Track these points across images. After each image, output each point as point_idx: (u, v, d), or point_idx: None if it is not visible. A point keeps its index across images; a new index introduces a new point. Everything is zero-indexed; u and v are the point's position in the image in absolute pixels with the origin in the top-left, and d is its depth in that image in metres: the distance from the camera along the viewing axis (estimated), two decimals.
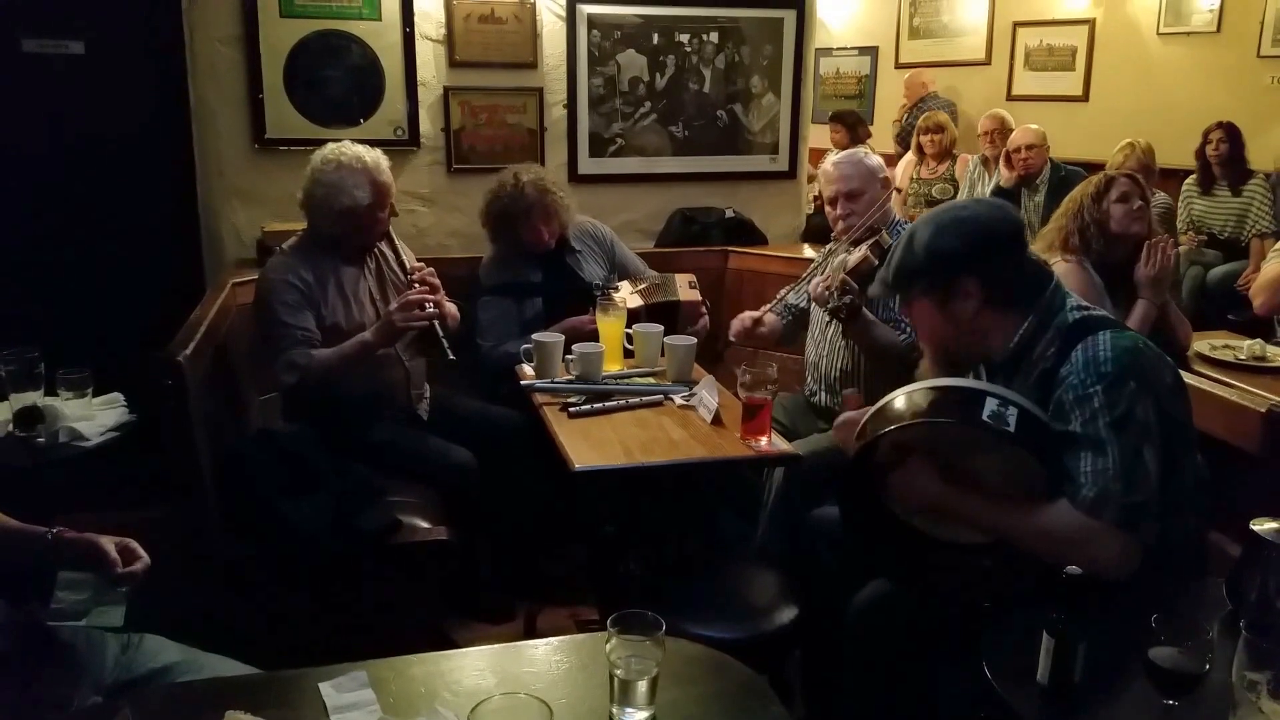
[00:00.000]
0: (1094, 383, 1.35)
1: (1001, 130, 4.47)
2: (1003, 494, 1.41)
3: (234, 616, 1.90)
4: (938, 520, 1.50)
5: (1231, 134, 4.35)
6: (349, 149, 2.29)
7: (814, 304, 2.39)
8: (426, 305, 2.22)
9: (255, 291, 2.33)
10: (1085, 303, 1.51)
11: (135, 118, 2.94)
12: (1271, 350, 2.44)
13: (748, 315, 2.42)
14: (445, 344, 2.25)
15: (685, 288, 2.62)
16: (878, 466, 1.52)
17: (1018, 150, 4.05)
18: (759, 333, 2.40)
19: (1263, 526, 1.25)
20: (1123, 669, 1.14)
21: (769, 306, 2.48)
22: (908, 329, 2.22)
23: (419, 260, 2.46)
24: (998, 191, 4.02)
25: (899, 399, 1.47)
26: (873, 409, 1.51)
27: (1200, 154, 4.45)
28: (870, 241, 2.27)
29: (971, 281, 1.47)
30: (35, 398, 2.02)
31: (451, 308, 2.43)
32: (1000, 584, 1.45)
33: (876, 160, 2.44)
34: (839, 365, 2.36)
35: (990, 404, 1.36)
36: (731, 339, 2.42)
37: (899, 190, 4.55)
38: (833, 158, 2.52)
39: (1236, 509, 1.39)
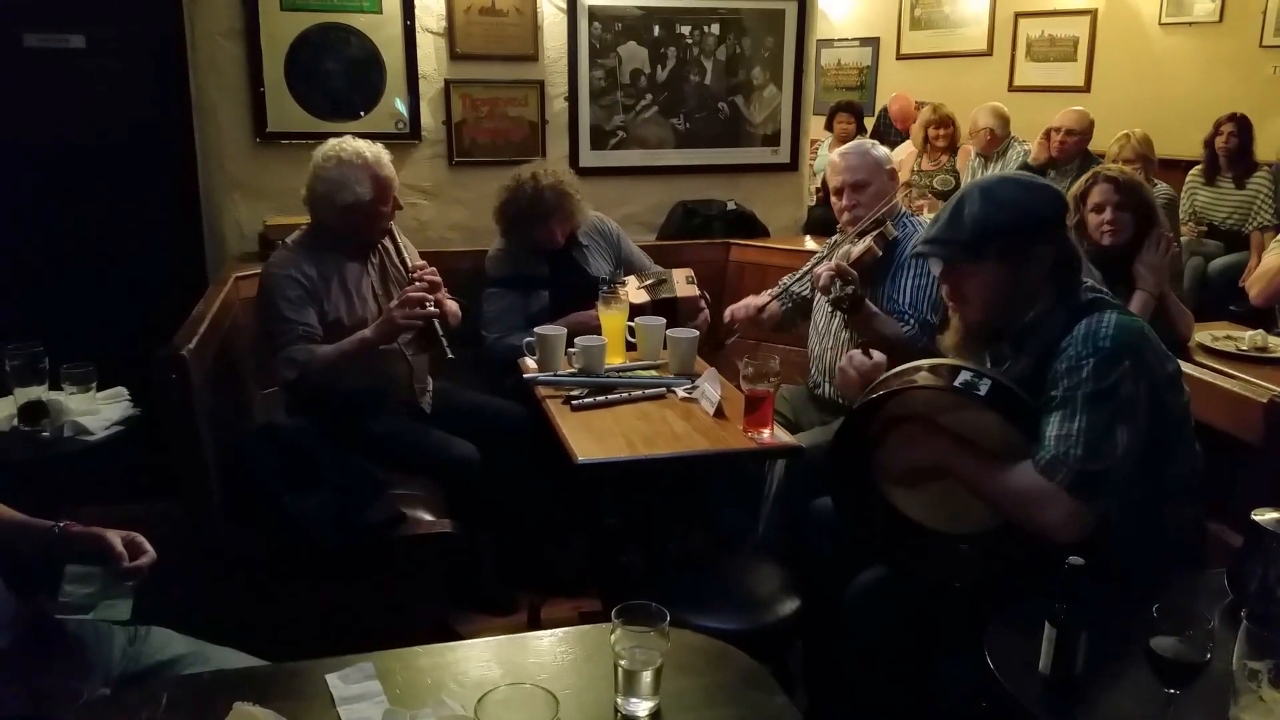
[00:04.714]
0: (1088, 355, 1.36)
1: (1001, 125, 4.39)
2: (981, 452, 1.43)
3: (240, 609, 1.91)
4: (919, 494, 1.52)
5: (1243, 127, 4.32)
6: (350, 144, 2.29)
7: (818, 295, 2.39)
8: (426, 303, 2.22)
9: (258, 286, 2.33)
10: (1102, 288, 1.51)
11: (136, 112, 2.94)
12: (1273, 341, 2.44)
13: (752, 301, 2.40)
14: (444, 342, 2.25)
15: (683, 283, 2.63)
16: (871, 438, 1.53)
17: (1057, 130, 3.86)
18: (762, 319, 2.39)
19: (1264, 516, 1.25)
20: (1124, 658, 1.15)
21: (772, 292, 2.48)
22: (911, 321, 2.22)
23: (420, 255, 2.46)
24: (1023, 168, 3.89)
25: (900, 370, 1.50)
26: (876, 381, 1.53)
27: (1209, 144, 4.42)
28: (875, 233, 2.27)
29: (1047, 248, 1.45)
30: (40, 392, 2.03)
31: (452, 305, 2.43)
32: (977, 570, 1.48)
33: (884, 151, 2.43)
34: (842, 355, 2.36)
35: (964, 374, 1.41)
36: (734, 327, 2.38)
37: (907, 185, 4.50)
38: (840, 148, 2.51)
39: (1237, 499, 1.40)
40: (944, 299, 1.59)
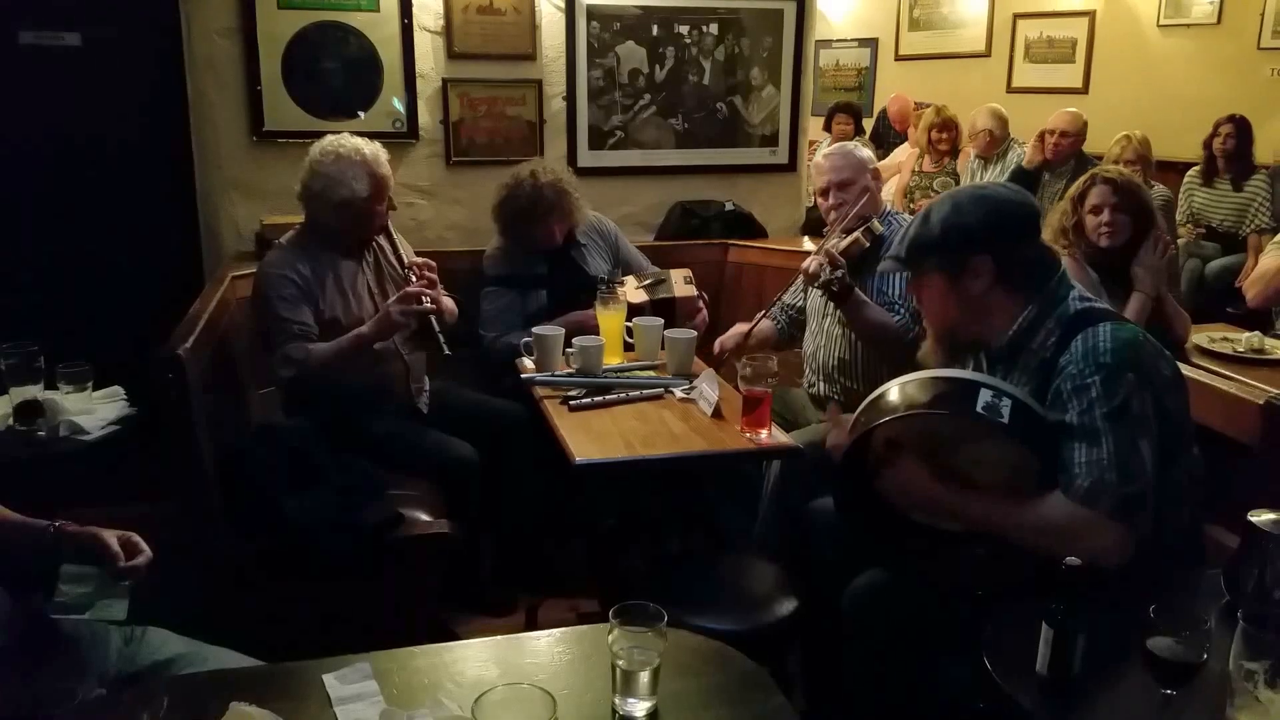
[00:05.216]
0: (1092, 373, 1.36)
1: (1000, 127, 4.40)
2: (997, 488, 1.42)
3: (236, 609, 1.91)
4: (931, 512, 1.51)
5: (1241, 128, 4.32)
6: (348, 141, 2.29)
7: (809, 291, 2.40)
8: (424, 299, 2.22)
9: (253, 285, 2.33)
10: (1089, 295, 1.52)
11: (133, 110, 2.94)
12: (1270, 343, 2.45)
13: (739, 329, 2.43)
14: (441, 339, 2.25)
15: (681, 283, 2.63)
16: (871, 461, 1.52)
17: (1051, 132, 3.90)
18: (750, 346, 2.40)
19: (1260, 518, 1.26)
20: (1121, 659, 1.15)
21: (764, 313, 2.49)
22: (902, 310, 2.24)
23: (418, 254, 2.46)
24: (1018, 171, 3.92)
25: (893, 390, 1.47)
26: (866, 401, 1.51)
27: (1207, 145, 4.42)
28: (862, 228, 2.30)
29: (985, 260, 1.47)
30: (35, 391, 2.02)
31: (449, 302, 2.42)
32: (993, 572, 1.46)
33: (867, 152, 2.48)
34: (836, 354, 2.37)
35: (984, 395, 1.37)
36: (724, 357, 2.40)
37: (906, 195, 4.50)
38: (824, 150, 2.56)
39: (1234, 500, 1.40)
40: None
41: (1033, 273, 1.49)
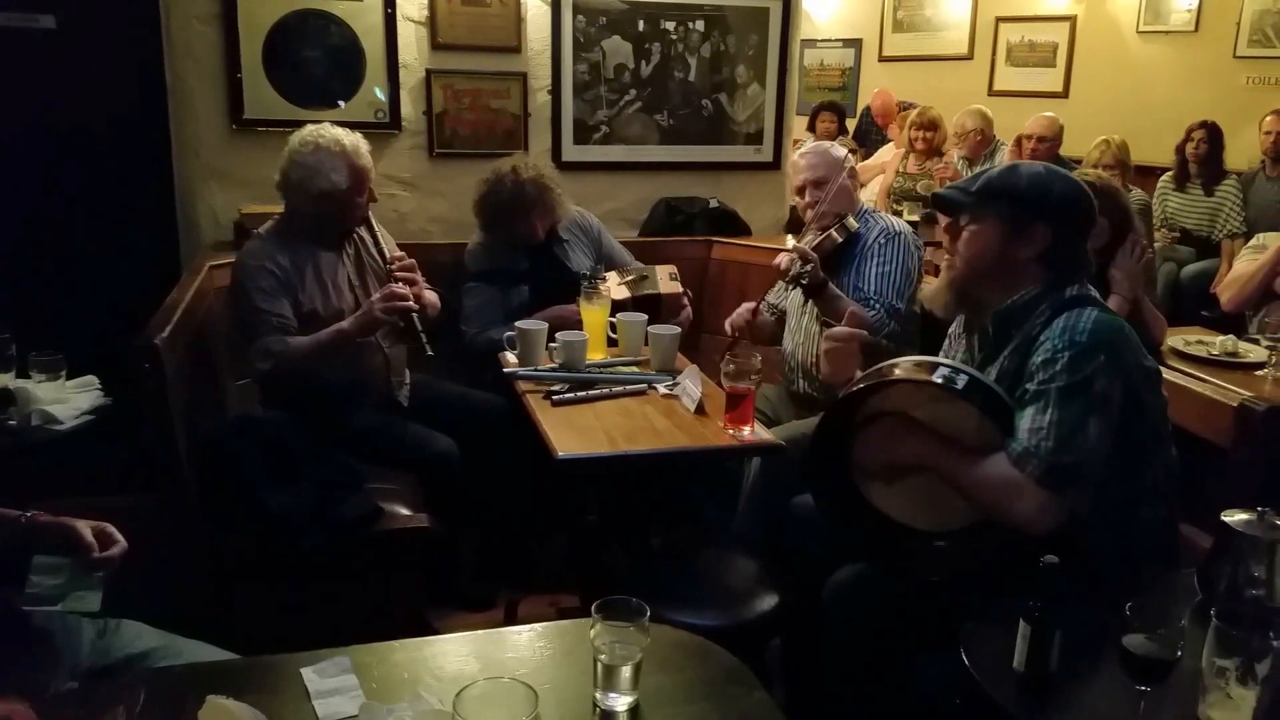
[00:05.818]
0: (1064, 349, 1.39)
1: (989, 126, 4.44)
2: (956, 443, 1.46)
3: (213, 602, 1.89)
4: (897, 491, 1.54)
5: (1213, 134, 4.40)
6: (328, 131, 2.26)
7: (789, 290, 2.41)
8: (408, 301, 2.20)
9: (231, 276, 2.30)
10: (1092, 290, 1.53)
11: (110, 96, 2.88)
12: (1243, 346, 2.49)
13: (745, 306, 2.42)
14: (424, 338, 2.23)
15: (666, 280, 2.63)
16: (847, 438, 1.55)
17: (1029, 137, 4.00)
18: (758, 323, 2.41)
19: (1233, 518, 1.28)
20: (1097, 656, 1.17)
21: (763, 297, 2.50)
22: (876, 305, 2.25)
23: (400, 247, 2.44)
24: None
25: (878, 366, 1.55)
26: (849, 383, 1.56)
27: (1180, 150, 4.50)
28: (836, 225, 2.31)
29: (1045, 232, 1.49)
30: (7, 380, 1.99)
31: (431, 296, 2.40)
32: (955, 564, 1.50)
33: (843, 151, 2.50)
34: (815, 351, 2.38)
35: (942, 369, 1.45)
36: (737, 335, 2.39)
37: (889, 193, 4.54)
38: (800, 149, 2.58)
39: (1208, 501, 1.43)
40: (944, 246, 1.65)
41: (1070, 265, 1.51)
